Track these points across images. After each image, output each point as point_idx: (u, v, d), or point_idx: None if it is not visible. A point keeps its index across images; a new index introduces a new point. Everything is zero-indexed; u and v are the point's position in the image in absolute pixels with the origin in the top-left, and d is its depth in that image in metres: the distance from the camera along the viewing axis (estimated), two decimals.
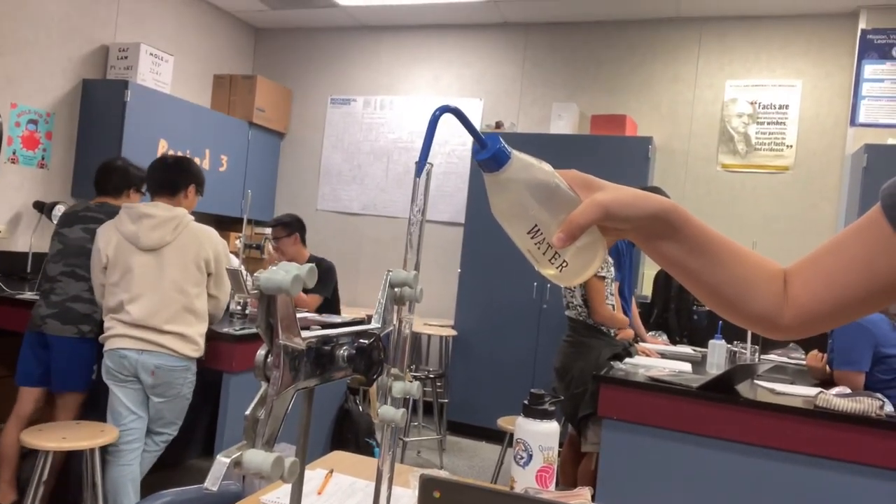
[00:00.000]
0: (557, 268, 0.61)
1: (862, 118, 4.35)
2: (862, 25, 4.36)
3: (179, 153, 4.79)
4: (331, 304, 3.88)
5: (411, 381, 0.63)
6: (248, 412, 0.49)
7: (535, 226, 0.59)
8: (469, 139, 5.18)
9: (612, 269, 3.13)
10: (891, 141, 4.13)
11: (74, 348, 2.72)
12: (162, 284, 2.51)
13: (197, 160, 4.97)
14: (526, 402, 1.07)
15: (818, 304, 0.67)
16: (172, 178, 2.70)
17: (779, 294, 0.68)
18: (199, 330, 2.57)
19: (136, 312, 2.49)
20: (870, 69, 4.33)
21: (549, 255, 0.60)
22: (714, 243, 0.64)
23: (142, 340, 2.49)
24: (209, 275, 2.62)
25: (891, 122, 4.28)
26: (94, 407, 2.86)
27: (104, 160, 3.14)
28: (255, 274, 0.50)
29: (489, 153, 0.57)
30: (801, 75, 4.60)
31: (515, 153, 0.58)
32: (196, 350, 2.56)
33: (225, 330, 2.76)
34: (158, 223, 2.54)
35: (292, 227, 3.92)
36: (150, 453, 2.63)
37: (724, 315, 0.69)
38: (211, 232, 2.66)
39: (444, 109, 0.58)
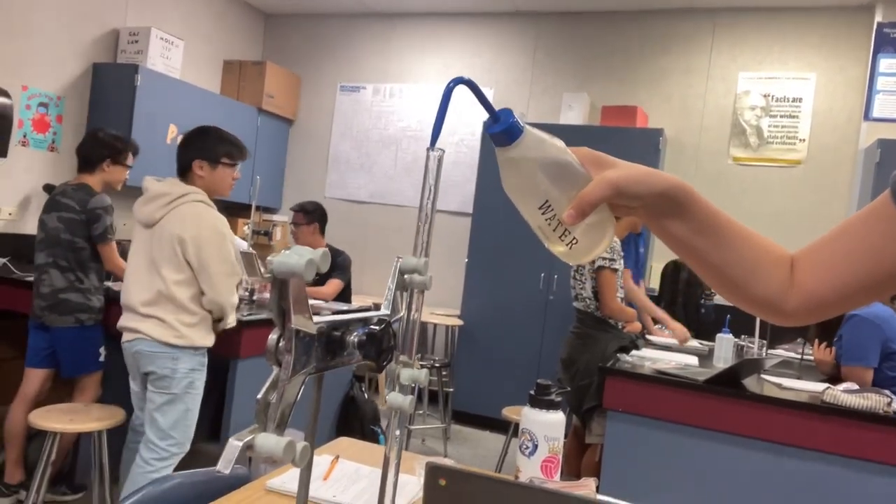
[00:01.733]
0: (567, 245, 0.60)
1: (876, 113, 4.30)
2: (878, 19, 4.30)
3: None
4: (345, 292, 3.92)
5: (419, 369, 0.63)
6: (259, 396, 0.49)
7: (547, 201, 0.59)
8: (478, 129, 5.16)
9: (622, 261, 3.12)
10: None
11: (76, 337, 2.74)
12: (142, 265, 2.30)
13: None
14: (532, 392, 1.07)
15: (824, 289, 0.66)
16: (179, 155, 2.44)
17: (785, 278, 0.67)
18: (181, 319, 2.28)
19: (123, 295, 2.36)
20: (885, 63, 4.28)
21: (559, 231, 0.60)
22: (721, 224, 0.64)
23: (127, 329, 2.33)
24: (189, 264, 2.27)
25: None
26: (107, 388, 2.89)
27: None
28: (269, 258, 0.50)
29: (502, 126, 0.56)
30: (814, 68, 4.55)
31: (528, 128, 0.57)
32: (178, 337, 2.27)
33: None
34: (150, 198, 2.31)
35: (314, 215, 3.91)
36: (139, 468, 2.29)
37: (729, 297, 0.68)
38: (202, 213, 2.30)
39: (458, 81, 0.57)
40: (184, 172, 2.40)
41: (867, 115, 4.33)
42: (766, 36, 4.65)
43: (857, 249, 0.64)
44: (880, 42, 4.29)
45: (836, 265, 0.65)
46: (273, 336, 0.51)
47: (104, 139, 2.89)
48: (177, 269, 2.27)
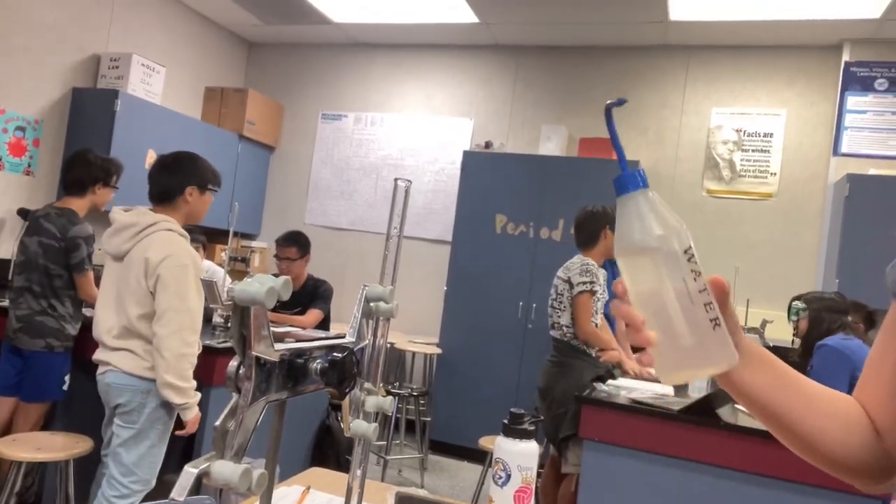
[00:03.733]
0: (713, 320, 0.55)
1: (844, 148, 4.42)
2: (845, 58, 4.45)
3: None
4: (324, 321, 3.88)
5: (384, 396, 0.63)
6: (217, 423, 0.49)
7: (698, 270, 0.56)
8: (458, 158, 5.19)
9: (603, 284, 3.13)
10: (872, 171, 4.20)
11: (44, 362, 2.70)
12: (110, 298, 2.24)
13: None
14: (506, 421, 1.07)
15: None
16: (162, 180, 2.34)
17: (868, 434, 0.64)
18: (152, 351, 2.18)
19: (94, 328, 2.29)
20: (852, 101, 4.42)
21: (704, 296, 0.55)
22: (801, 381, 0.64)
23: (100, 362, 2.26)
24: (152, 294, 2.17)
25: (872, 153, 4.36)
26: (69, 417, 2.83)
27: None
28: (230, 285, 0.50)
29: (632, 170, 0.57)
30: (785, 105, 4.68)
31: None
32: (149, 370, 2.17)
33: (206, 342, 2.74)
34: (118, 229, 2.23)
35: (306, 248, 3.83)
36: None
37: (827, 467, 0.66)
38: (172, 240, 2.19)
39: (619, 103, 0.59)
40: (169, 198, 2.31)
41: (836, 151, 4.45)
42: (738, 73, 4.79)
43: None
44: (848, 80, 4.43)
45: (892, 390, 0.63)
46: (233, 363, 0.51)
47: (96, 162, 2.86)
48: (139, 304, 2.17)
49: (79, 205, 2.84)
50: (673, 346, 0.55)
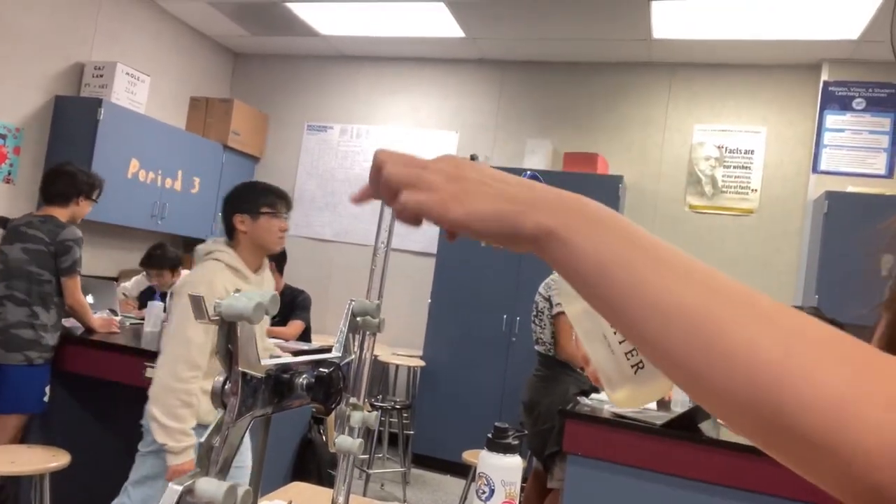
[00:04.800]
0: (634, 366, 0.60)
1: (823, 166, 4.50)
2: (824, 77, 4.54)
3: (151, 174, 4.75)
4: (305, 331, 3.86)
5: (370, 411, 0.63)
6: (202, 440, 0.49)
7: None
8: None
9: None
10: (850, 189, 4.28)
11: (22, 376, 2.65)
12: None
13: (169, 181, 4.93)
14: (490, 435, 1.07)
15: None
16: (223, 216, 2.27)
17: None
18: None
19: None
20: (831, 119, 4.50)
21: (625, 345, 0.60)
22: None
23: None
24: None
25: (850, 171, 4.44)
26: (47, 430, 2.78)
27: (53, 166, 3.01)
28: (216, 300, 0.50)
29: None
30: (765, 122, 4.76)
31: None
32: None
33: None
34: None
35: (277, 257, 3.84)
36: None
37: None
38: (205, 267, 2.12)
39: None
40: (229, 232, 2.21)
41: (815, 168, 4.53)
42: (720, 91, 4.86)
43: None
44: (826, 99, 4.52)
45: None
46: (219, 378, 0.51)
47: (79, 176, 2.89)
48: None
49: (60, 214, 2.83)
50: (607, 381, 0.62)
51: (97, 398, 3.07)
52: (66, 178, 2.86)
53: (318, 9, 4.76)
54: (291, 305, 3.80)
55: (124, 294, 3.99)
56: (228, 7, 4.92)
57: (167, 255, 3.72)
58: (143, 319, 3.43)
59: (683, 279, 0.38)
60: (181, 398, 1.94)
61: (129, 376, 2.71)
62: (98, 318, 2.99)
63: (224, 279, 2.06)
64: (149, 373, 2.49)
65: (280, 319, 3.72)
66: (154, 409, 1.94)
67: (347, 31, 5.14)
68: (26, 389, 2.67)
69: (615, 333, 0.60)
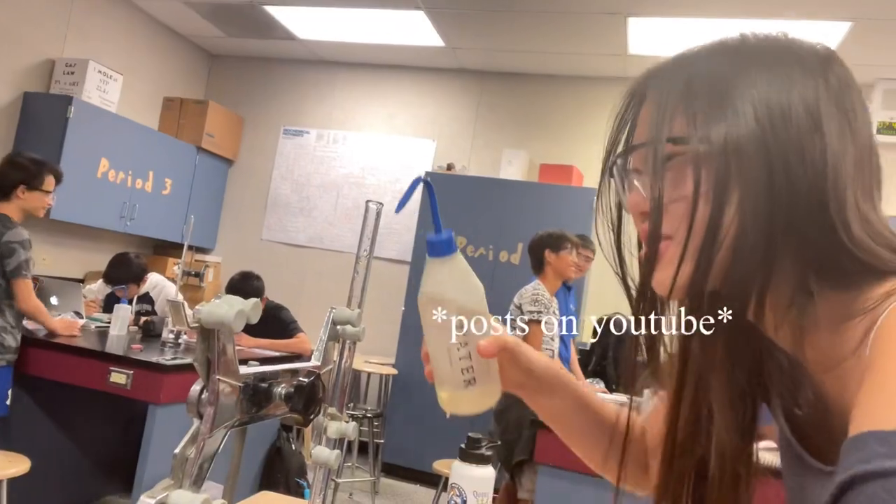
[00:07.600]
0: (466, 381, 0.61)
1: None
2: None
3: (121, 174, 4.66)
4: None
5: (348, 422, 0.62)
6: (177, 450, 0.47)
7: (463, 322, 0.59)
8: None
9: (556, 311, 3.18)
10: None
11: None
12: None
13: (140, 182, 4.84)
14: (463, 445, 1.06)
15: None
16: None
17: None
18: None
19: None
20: None
21: (464, 362, 0.60)
22: (595, 404, 0.70)
23: None
24: None
25: None
26: (6, 435, 2.69)
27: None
28: (197, 307, 0.49)
29: (446, 236, 0.59)
30: None
31: (459, 254, 0.60)
32: None
33: (155, 359, 2.65)
34: None
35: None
36: None
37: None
38: None
39: (421, 180, 0.60)
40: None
41: None
42: None
43: None
44: None
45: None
46: (196, 387, 0.49)
47: (18, 162, 2.72)
48: None
49: (9, 210, 2.68)
50: (439, 381, 0.64)
51: (59, 402, 2.99)
52: (2, 168, 2.71)
53: (296, 12, 4.73)
54: (277, 319, 3.79)
55: (85, 296, 3.88)
56: (205, 7, 4.86)
57: (131, 270, 3.53)
58: (109, 323, 3.34)
59: None
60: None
61: (93, 381, 2.64)
62: (59, 321, 2.89)
63: None
64: (113, 377, 2.44)
65: (256, 332, 3.65)
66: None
67: (326, 36, 5.12)
68: None
69: (458, 350, 0.61)
